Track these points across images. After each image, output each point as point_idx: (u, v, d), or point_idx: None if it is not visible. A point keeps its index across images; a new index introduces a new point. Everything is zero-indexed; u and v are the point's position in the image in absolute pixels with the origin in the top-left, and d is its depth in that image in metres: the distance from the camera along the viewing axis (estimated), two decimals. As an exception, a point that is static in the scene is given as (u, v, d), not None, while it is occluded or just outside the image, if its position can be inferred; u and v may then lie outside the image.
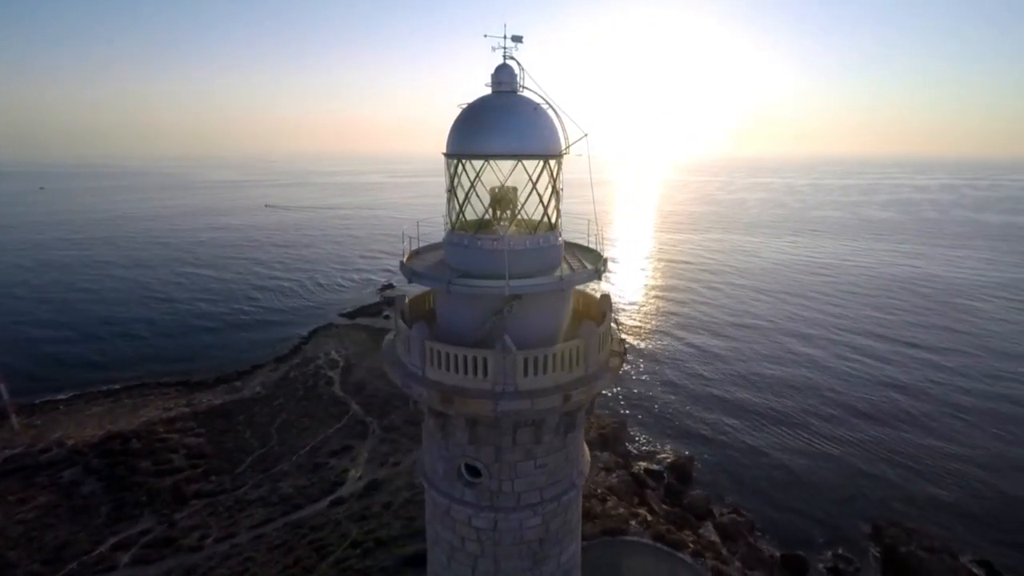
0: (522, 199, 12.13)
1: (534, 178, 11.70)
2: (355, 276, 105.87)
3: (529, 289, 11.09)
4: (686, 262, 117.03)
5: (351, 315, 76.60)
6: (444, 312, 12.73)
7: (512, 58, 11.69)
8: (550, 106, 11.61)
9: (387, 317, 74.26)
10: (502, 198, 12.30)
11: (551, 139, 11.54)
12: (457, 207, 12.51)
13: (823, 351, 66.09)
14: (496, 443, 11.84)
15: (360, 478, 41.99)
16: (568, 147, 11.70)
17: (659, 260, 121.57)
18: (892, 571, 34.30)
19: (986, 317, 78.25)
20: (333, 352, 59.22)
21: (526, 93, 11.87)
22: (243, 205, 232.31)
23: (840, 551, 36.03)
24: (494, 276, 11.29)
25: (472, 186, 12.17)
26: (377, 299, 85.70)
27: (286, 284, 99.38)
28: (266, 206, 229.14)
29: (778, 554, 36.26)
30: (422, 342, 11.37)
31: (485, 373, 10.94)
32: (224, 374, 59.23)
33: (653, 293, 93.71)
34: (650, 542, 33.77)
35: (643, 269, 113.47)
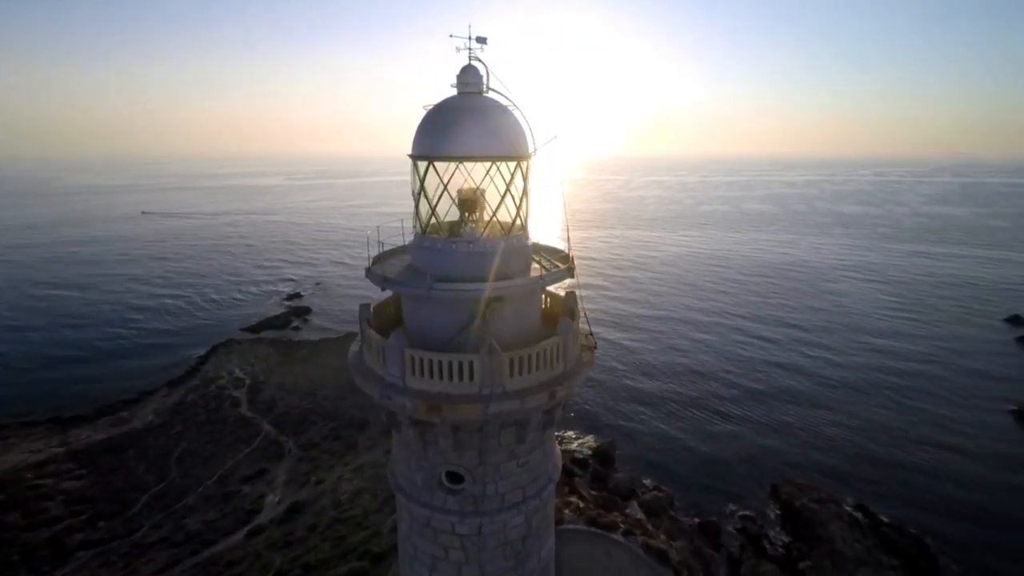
0: (490, 201, 12.14)
1: (506, 180, 11.76)
2: (254, 288, 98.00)
3: (511, 289, 11.16)
4: (592, 258, 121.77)
5: (255, 329, 71.10)
6: (416, 318, 12.39)
7: (478, 59, 11.66)
8: (516, 107, 11.72)
9: (296, 328, 70.07)
10: (470, 200, 12.23)
11: (521, 141, 11.67)
12: (429, 210, 12.25)
13: (717, 337, 72.08)
14: (480, 446, 11.76)
15: (279, 502, 39.36)
16: (536, 149, 11.88)
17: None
18: (789, 522, 38.40)
19: (845, 296, 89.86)
20: (237, 370, 54.58)
21: (491, 95, 11.90)
22: (115, 213, 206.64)
23: (746, 512, 39.64)
24: (472, 279, 11.22)
25: (445, 189, 11.99)
26: (282, 310, 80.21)
27: (172, 302, 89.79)
28: (143, 213, 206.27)
29: (696, 522, 39.17)
30: (402, 351, 11.02)
31: (471, 377, 10.84)
32: (105, 405, 52.43)
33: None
34: (584, 528, 35.01)
35: None
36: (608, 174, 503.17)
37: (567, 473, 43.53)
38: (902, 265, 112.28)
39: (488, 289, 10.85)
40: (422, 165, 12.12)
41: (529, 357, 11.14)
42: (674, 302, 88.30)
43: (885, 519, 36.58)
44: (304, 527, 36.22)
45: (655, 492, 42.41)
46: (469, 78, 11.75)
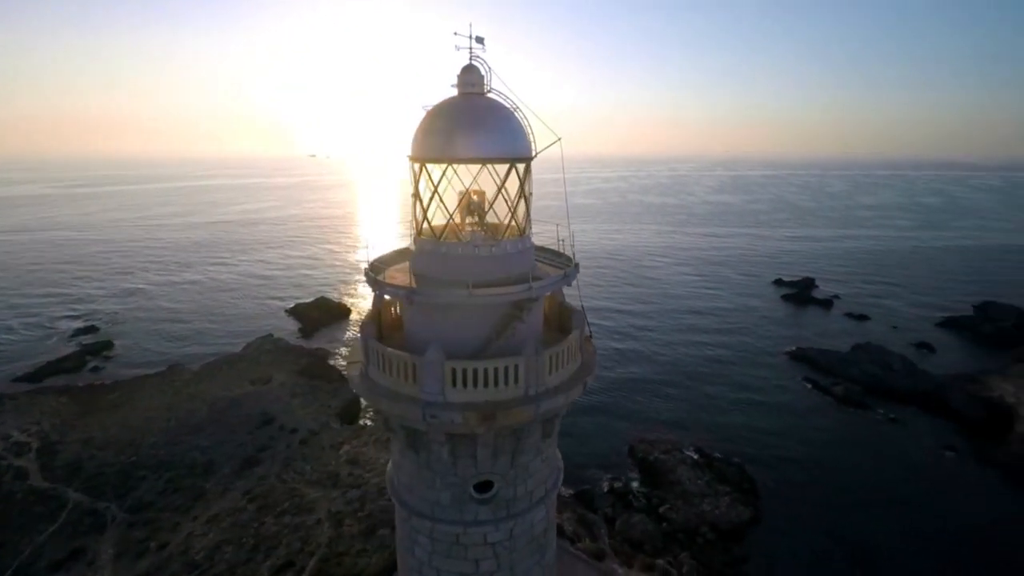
0: (491, 202, 12.01)
1: (511, 181, 11.75)
2: (24, 326, 73.49)
3: (548, 289, 11.30)
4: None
5: (34, 377, 53.85)
6: (432, 328, 11.63)
7: (479, 58, 11.41)
8: (518, 108, 11.77)
9: (97, 369, 56.07)
10: (476, 203, 11.96)
11: (526, 142, 11.75)
12: (421, 212, 11.61)
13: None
14: (514, 449, 11.70)
15: (111, 583, 32.09)
16: (537, 151, 12.07)
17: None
18: (647, 475, 44.07)
19: (658, 276, 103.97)
20: (16, 433, 41.54)
21: (493, 95, 11.76)
22: None
23: (612, 474, 44.33)
24: (500, 282, 11.06)
25: (438, 192, 11.49)
26: (73, 349, 61.89)
27: None
28: None
29: (571, 493, 42.59)
30: (442, 364, 10.40)
31: (516, 380, 10.75)
32: None
33: None
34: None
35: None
36: None
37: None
38: (699, 245, 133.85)
39: (530, 290, 10.85)
40: (417, 167, 11.48)
41: (562, 353, 11.45)
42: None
43: (717, 455, 44.19)
44: (154, 605, 30.29)
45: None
46: (472, 78, 11.46)
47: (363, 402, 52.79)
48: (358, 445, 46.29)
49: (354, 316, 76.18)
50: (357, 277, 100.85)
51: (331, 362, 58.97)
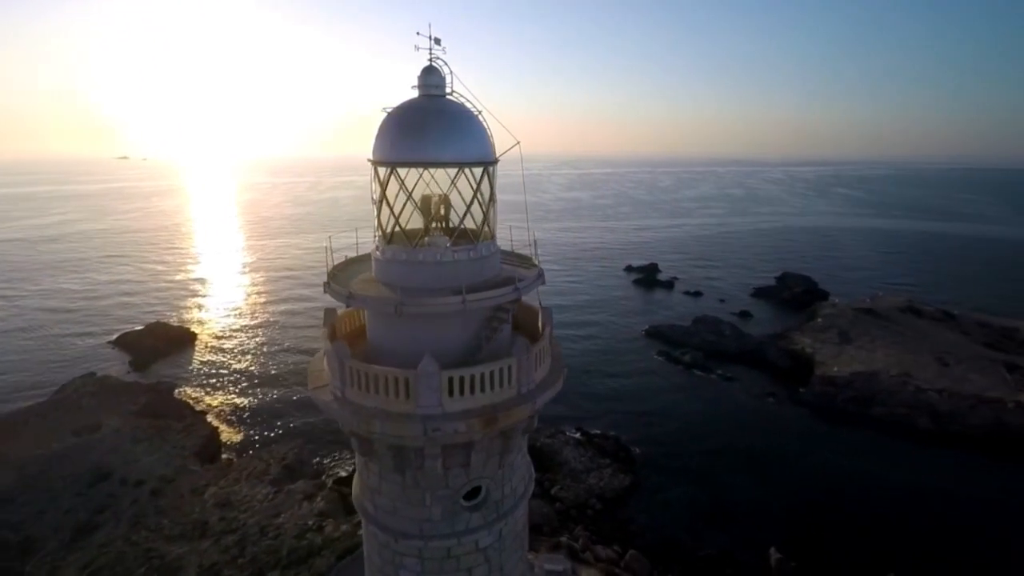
0: (456, 207, 11.84)
1: (473, 185, 11.69)
2: None
3: (531, 288, 11.44)
4: (288, 268, 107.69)
5: None
6: (411, 337, 11.08)
7: (439, 59, 11.11)
8: (480, 111, 11.72)
9: None
10: (436, 207, 11.66)
11: (489, 145, 11.75)
12: (392, 219, 11.06)
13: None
14: (501, 449, 11.71)
15: None
16: (499, 155, 12.11)
17: (259, 271, 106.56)
18: (536, 459, 45.30)
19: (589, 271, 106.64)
20: None
21: (454, 97, 11.53)
22: None
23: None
24: (479, 287, 10.98)
25: (409, 195, 11.06)
26: None
27: None
28: None
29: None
30: (439, 375, 10.04)
31: (509, 381, 10.81)
32: None
33: (251, 309, 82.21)
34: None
35: (243, 284, 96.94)
36: (293, 176, 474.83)
37: (341, 496, 40.62)
38: (557, 240, 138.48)
39: (517, 291, 10.92)
40: (385, 171, 10.91)
41: (542, 350, 11.74)
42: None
43: (596, 432, 47.75)
44: None
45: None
46: (433, 80, 11.12)
47: (226, 436, 47.00)
48: (227, 485, 41.36)
49: (202, 339, 66.91)
50: (200, 295, 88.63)
51: (179, 395, 51.35)
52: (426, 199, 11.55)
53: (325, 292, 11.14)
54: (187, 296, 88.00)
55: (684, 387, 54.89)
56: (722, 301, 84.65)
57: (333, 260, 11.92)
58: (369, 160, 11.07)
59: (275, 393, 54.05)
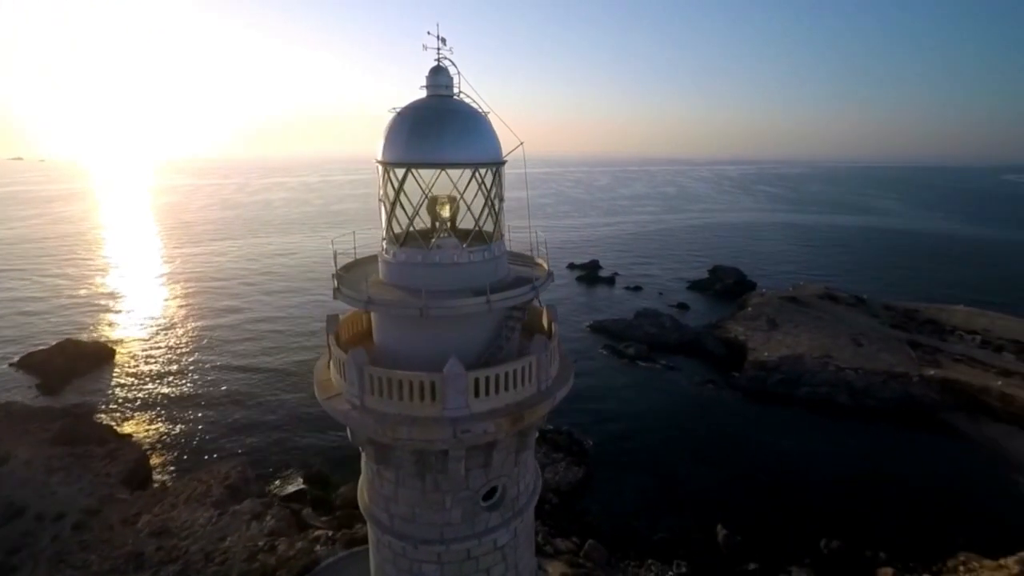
0: (463, 207, 11.77)
1: (485, 186, 11.66)
2: None
3: (547, 286, 11.56)
4: (215, 278, 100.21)
5: None
6: (424, 337, 10.88)
7: (447, 59, 10.99)
8: (487, 111, 11.67)
9: None
10: (445, 207, 11.55)
11: (498, 145, 11.74)
12: (405, 220, 10.85)
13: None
14: (518, 447, 11.78)
15: None
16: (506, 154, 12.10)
17: (181, 281, 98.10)
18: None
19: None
20: None
21: (462, 97, 11.43)
22: None
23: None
24: (495, 287, 10.97)
25: (425, 197, 10.90)
26: None
27: None
28: None
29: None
30: (465, 377, 9.98)
31: (530, 378, 10.91)
32: None
33: (174, 322, 75.73)
34: (346, 551, 33.28)
35: (164, 296, 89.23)
36: (218, 178, 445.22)
37: (293, 513, 38.52)
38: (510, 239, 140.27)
39: (535, 290, 11.02)
40: (399, 172, 10.70)
41: (555, 347, 11.92)
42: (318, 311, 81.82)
43: (548, 428, 48.24)
44: None
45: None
46: (441, 80, 11.00)
47: (157, 460, 43.43)
48: (163, 511, 38.39)
49: (120, 356, 61.17)
50: (115, 310, 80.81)
51: (99, 419, 46.73)
52: (433, 200, 11.41)
53: (335, 298, 10.76)
54: (100, 311, 79.97)
55: (630, 379, 56.94)
56: (661, 294, 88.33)
57: (331, 265, 11.43)
58: (378, 161, 10.80)
59: (210, 410, 50.56)
